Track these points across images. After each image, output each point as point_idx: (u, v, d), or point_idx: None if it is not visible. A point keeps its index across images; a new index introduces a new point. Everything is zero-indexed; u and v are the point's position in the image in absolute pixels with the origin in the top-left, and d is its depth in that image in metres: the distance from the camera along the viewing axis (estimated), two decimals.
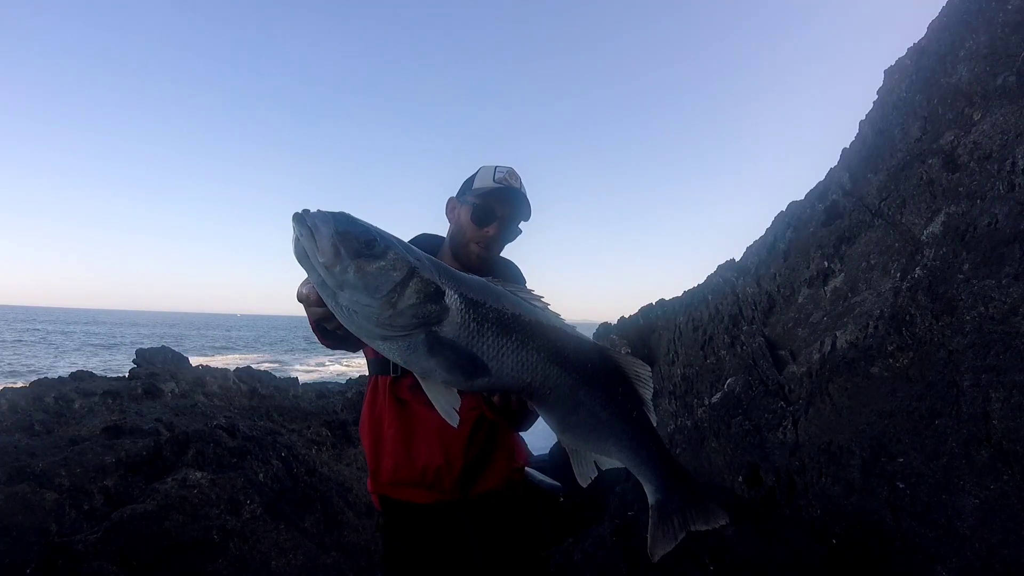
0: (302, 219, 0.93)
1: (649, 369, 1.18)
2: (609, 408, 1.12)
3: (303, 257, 0.94)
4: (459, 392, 1.08)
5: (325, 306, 1.03)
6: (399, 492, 1.61)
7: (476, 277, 1.14)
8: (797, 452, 3.36)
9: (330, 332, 1.20)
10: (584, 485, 1.21)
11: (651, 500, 1.18)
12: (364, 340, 1.01)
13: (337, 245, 0.92)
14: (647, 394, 1.17)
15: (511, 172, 1.60)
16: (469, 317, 1.00)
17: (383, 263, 0.94)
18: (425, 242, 1.72)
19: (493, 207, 1.57)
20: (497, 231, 1.58)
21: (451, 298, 0.99)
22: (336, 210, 0.97)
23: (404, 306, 0.95)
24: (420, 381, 1.06)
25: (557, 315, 1.16)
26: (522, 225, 1.67)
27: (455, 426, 1.08)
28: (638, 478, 1.18)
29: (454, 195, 1.69)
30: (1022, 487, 2.16)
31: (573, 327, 1.16)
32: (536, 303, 1.15)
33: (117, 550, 2.97)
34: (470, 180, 1.64)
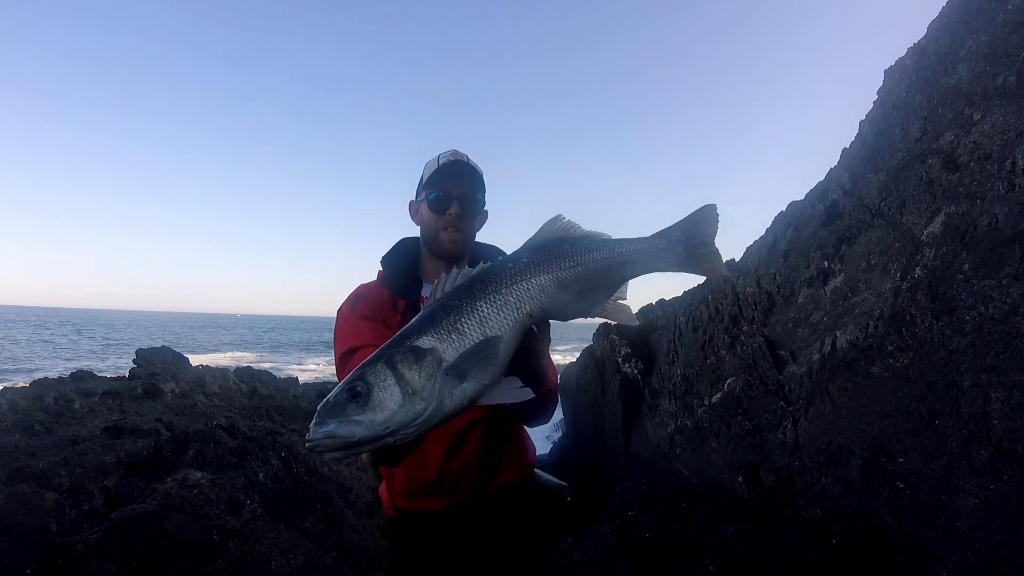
0: (317, 443, 1.00)
1: (563, 217, 1.25)
2: (578, 264, 1.18)
3: (346, 451, 1.02)
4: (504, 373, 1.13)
5: (387, 452, 1.12)
6: (414, 502, 1.61)
7: (422, 311, 1.16)
8: (797, 452, 3.36)
9: (411, 450, 1.23)
10: (636, 323, 1.47)
11: (676, 261, 1.23)
12: (439, 424, 1.08)
13: (349, 423, 1.00)
14: (580, 231, 1.24)
15: (454, 152, 1.60)
16: (446, 333, 1.08)
17: (376, 388, 1.02)
18: (408, 246, 1.72)
19: (447, 188, 1.57)
20: (459, 208, 1.56)
21: (425, 341, 1.07)
22: (312, 418, 1.04)
23: (418, 387, 1.03)
24: (487, 400, 1.11)
25: (483, 263, 1.20)
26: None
27: (532, 396, 1.12)
28: (652, 270, 1.25)
29: (413, 199, 1.69)
30: (1022, 487, 2.16)
31: (498, 258, 1.24)
32: (477, 269, 1.19)
33: (117, 550, 2.97)
34: (421, 178, 1.65)
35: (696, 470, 4.31)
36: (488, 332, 1.09)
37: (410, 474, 1.57)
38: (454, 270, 1.19)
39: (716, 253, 1.22)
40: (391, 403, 1.01)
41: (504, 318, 1.11)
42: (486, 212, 1.68)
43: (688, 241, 1.21)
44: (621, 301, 1.26)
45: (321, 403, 1.04)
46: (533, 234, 1.25)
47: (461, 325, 1.09)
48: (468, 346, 1.07)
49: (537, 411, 1.48)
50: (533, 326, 1.19)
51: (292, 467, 4.38)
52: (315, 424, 1.01)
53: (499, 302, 1.12)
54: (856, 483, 2.85)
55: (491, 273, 1.17)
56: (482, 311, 1.10)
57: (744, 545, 2.70)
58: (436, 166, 1.57)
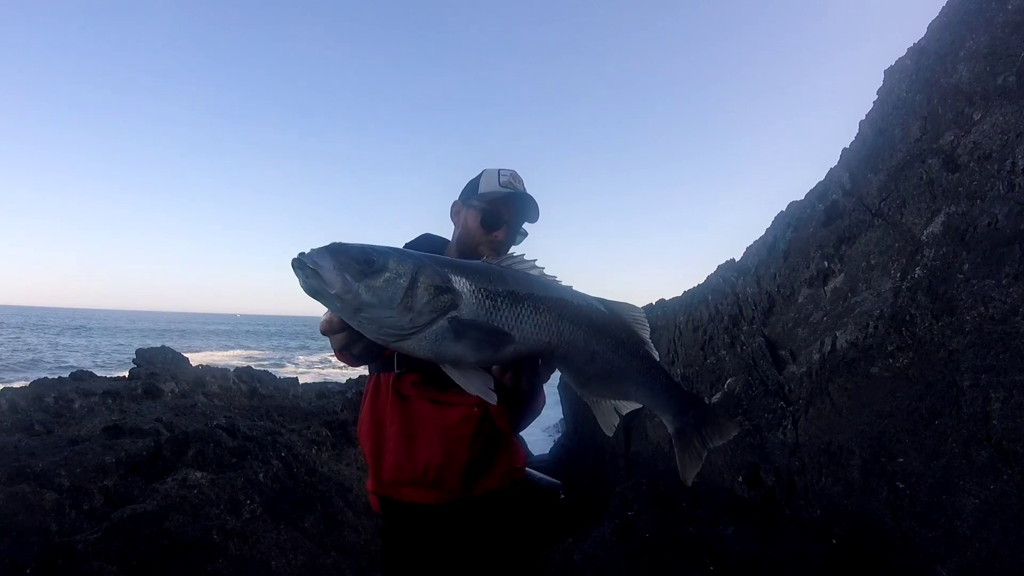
0: (301, 263, 0.99)
1: (641, 310, 1.28)
2: (620, 352, 1.21)
3: (316, 294, 0.99)
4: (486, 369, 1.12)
5: (348, 331, 1.09)
6: (401, 492, 1.61)
7: (475, 261, 1.20)
8: (797, 452, 3.36)
9: (357, 353, 1.24)
10: (610, 434, 1.34)
11: (671, 429, 1.30)
12: (394, 347, 1.06)
13: (342, 274, 0.97)
14: (645, 334, 1.27)
15: (515, 175, 1.65)
16: (482, 295, 1.06)
17: (388, 274, 1.00)
18: (428, 243, 1.75)
19: (501, 211, 1.62)
20: (506, 235, 1.63)
21: (459, 283, 1.05)
22: (327, 243, 1.02)
23: (420, 305, 1.01)
24: (451, 371, 1.09)
25: (554, 278, 1.23)
26: (526, 226, 1.71)
27: (494, 403, 1.12)
28: (655, 411, 1.30)
29: (457, 199, 1.72)
30: (1022, 487, 2.16)
31: (570, 287, 1.23)
32: (533, 270, 1.20)
33: (117, 550, 2.97)
34: (474, 184, 1.67)
35: None
36: (511, 328, 1.07)
37: (398, 462, 1.58)
38: (537, 263, 1.20)
39: (701, 459, 1.28)
40: (385, 296, 0.98)
41: (530, 331, 1.10)
42: (525, 232, 1.73)
43: (699, 427, 1.28)
44: (617, 407, 1.30)
45: (338, 244, 1.01)
46: (613, 299, 1.26)
47: (498, 301, 1.07)
48: (486, 320, 1.05)
49: (519, 413, 1.49)
50: (543, 359, 1.16)
51: (292, 467, 4.38)
52: (318, 250, 0.99)
53: (539, 317, 1.10)
54: (856, 483, 2.85)
55: (557, 291, 1.17)
56: (522, 309, 1.09)
57: (744, 545, 2.70)
58: (497, 186, 1.61)
